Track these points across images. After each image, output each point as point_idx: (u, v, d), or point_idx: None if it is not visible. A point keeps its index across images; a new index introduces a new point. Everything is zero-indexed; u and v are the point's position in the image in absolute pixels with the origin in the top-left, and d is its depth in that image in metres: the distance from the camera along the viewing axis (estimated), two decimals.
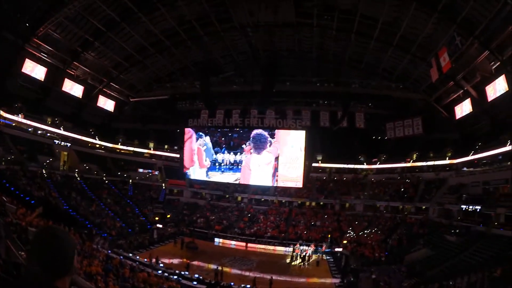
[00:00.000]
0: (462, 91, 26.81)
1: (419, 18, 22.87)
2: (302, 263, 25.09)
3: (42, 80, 29.42)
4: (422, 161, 34.84)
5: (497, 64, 21.47)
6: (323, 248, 28.04)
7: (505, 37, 19.42)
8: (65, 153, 34.83)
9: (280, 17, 27.19)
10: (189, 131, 30.16)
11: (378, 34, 26.21)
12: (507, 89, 21.10)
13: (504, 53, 20.45)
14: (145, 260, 20.72)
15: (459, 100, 27.89)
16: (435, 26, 22.75)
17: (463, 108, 27.60)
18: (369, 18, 25.00)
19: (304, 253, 25.60)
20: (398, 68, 30.30)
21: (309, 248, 26.69)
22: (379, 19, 24.38)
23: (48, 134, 33.45)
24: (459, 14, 20.10)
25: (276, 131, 27.24)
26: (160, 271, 18.07)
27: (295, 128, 27.85)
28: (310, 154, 29.17)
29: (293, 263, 24.97)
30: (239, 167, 27.66)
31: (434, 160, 33.76)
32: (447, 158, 32.50)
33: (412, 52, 26.45)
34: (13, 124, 29.71)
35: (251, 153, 27.67)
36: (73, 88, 32.72)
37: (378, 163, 37.63)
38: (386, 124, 34.55)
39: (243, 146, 27.68)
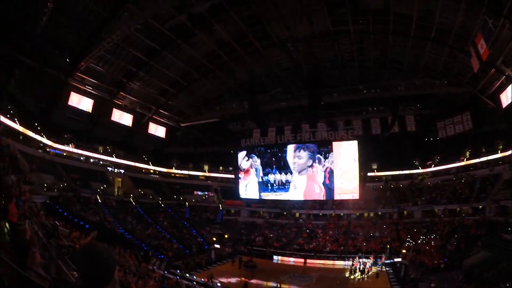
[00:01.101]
0: (504, 77, 25.29)
1: (449, 7, 21.92)
2: (361, 276, 24.42)
3: (90, 111, 30.75)
4: (475, 157, 33.45)
5: None
6: (382, 259, 27.27)
7: None
8: (119, 179, 36.11)
9: (316, 28, 27.19)
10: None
11: (414, 31, 25.54)
12: None
13: None
14: (202, 279, 20.81)
15: (503, 87, 26.22)
16: (465, 13, 21.71)
17: (508, 95, 25.89)
18: (402, 16, 24.45)
19: (363, 266, 24.98)
20: (439, 63, 29.21)
21: (368, 260, 26.12)
22: (412, 14, 23.71)
23: (101, 162, 34.75)
24: None
25: (332, 144, 26.89)
26: None
27: (347, 139, 27.50)
28: (364, 163, 28.68)
29: (352, 277, 24.35)
30: (290, 186, 27.57)
31: (487, 155, 32.30)
32: (499, 151, 30.97)
33: (450, 44, 25.46)
34: (64, 154, 31.00)
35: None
36: (122, 117, 34.02)
37: (433, 165, 36.32)
38: (437, 124, 33.46)
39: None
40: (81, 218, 23.15)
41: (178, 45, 27.72)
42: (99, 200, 29.23)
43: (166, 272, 20.64)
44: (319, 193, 27.48)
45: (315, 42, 29.46)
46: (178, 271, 22.86)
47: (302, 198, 27.94)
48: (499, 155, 30.90)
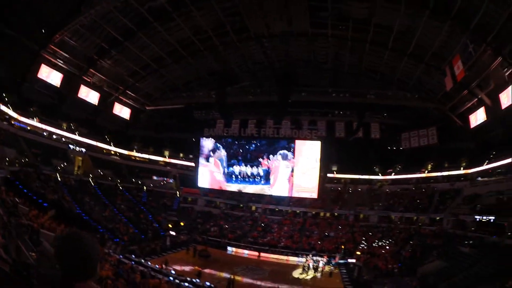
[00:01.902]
0: (476, 99, 26.55)
1: (433, 26, 22.69)
2: (314, 274, 24.69)
3: (58, 86, 29.87)
4: (437, 171, 34.43)
5: (510, 70, 21.15)
6: (336, 259, 27.60)
7: None
8: (80, 158, 35.15)
9: (295, 27, 27.28)
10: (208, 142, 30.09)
11: (392, 44, 26.14)
12: None
13: None
14: (157, 266, 20.44)
15: (474, 108, 27.57)
16: (448, 34, 22.56)
17: (478, 117, 27.25)
18: (383, 27, 24.94)
19: (316, 264, 25.29)
20: (413, 78, 30.11)
21: (322, 259, 26.37)
22: (393, 28, 24.28)
23: (63, 139, 33.75)
24: (472, 20, 19.89)
25: (295, 141, 27.01)
26: (171, 278, 17.77)
27: (311, 139, 27.68)
28: (325, 164, 29.02)
29: (303, 275, 24.46)
30: (256, 179, 27.58)
31: (449, 170, 33.34)
32: (462, 168, 32.06)
33: (426, 61, 26.32)
34: (28, 128, 30.02)
35: (268, 166, 27.53)
36: (89, 95, 33.14)
37: (393, 173, 37.21)
38: (401, 134, 34.33)
39: (260, 159, 27.56)
40: (40, 195, 22.72)
41: (154, 28, 27.22)
42: (59, 178, 28.63)
43: (121, 256, 20.10)
44: (284, 188, 27.47)
45: (292, 41, 29.54)
46: (134, 256, 22.38)
47: (268, 192, 27.83)
48: (462, 171, 32.04)
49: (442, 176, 34.06)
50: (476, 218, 24.98)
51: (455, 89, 24.84)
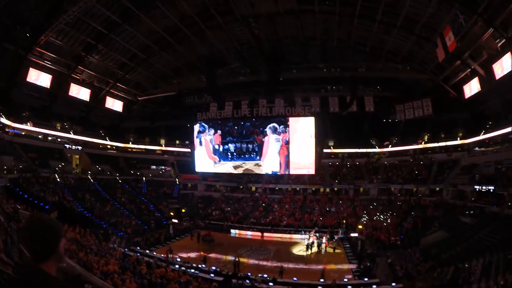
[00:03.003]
0: (469, 70, 26.46)
1: None
2: (318, 250, 24.89)
3: (48, 87, 29.88)
4: (434, 142, 34.65)
5: (503, 41, 21.05)
6: (339, 234, 27.79)
7: (508, 14, 19.02)
8: (77, 156, 35.31)
9: (281, 5, 27.02)
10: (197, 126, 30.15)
11: (381, 17, 25.83)
12: None
13: (509, 30, 20.11)
14: (162, 255, 20.75)
15: (467, 79, 27.53)
16: (437, 5, 22.31)
17: (472, 87, 27.24)
18: (370, 1, 24.61)
19: (320, 240, 25.41)
20: (404, 50, 29.87)
21: (325, 235, 26.52)
22: (381, 1, 23.97)
23: (59, 140, 33.91)
24: None
25: (289, 118, 26.98)
26: (177, 266, 17.98)
27: (304, 115, 27.61)
28: (321, 140, 28.95)
29: (307, 252, 24.65)
30: (252, 155, 27.61)
31: (446, 141, 33.55)
32: (459, 138, 32.28)
33: (417, 32, 26.06)
34: (23, 133, 30.19)
35: (262, 141, 27.53)
36: (80, 92, 33.14)
37: (390, 146, 37.36)
38: (395, 106, 34.26)
39: (255, 135, 27.55)
40: (40, 199, 22.90)
41: (139, 18, 26.93)
42: (58, 179, 28.80)
43: (126, 249, 20.37)
44: (275, 163, 27.50)
45: (279, 19, 29.26)
46: (138, 247, 22.67)
47: (261, 167, 27.89)
48: (459, 142, 32.23)
49: (439, 147, 34.27)
50: (475, 188, 25.22)
51: (447, 60, 24.67)
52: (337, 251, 25.13)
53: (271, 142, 27.36)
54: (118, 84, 35.11)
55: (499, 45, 21.52)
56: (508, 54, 20.96)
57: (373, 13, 25.81)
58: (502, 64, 21.84)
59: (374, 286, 15.94)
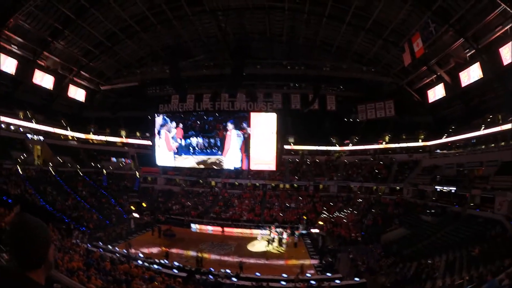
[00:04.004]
0: (435, 76, 27.59)
1: (393, 4, 23.17)
2: (278, 246, 25.12)
3: (13, 73, 28.46)
4: (395, 143, 35.78)
5: (472, 51, 22.00)
6: (300, 229, 28.24)
7: (482, 27, 20.00)
8: (38, 147, 34.06)
9: (251, 0, 27.23)
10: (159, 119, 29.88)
11: (350, 19, 26.55)
12: (482, 76, 21.80)
13: (480, 42, 21.05)
14: (124, 251, 20.59)
15: (432, 84, 28.70)
16: (409, 12, 23.11)
17: (436, 93, 28.39)
18: (341, 2, 25.25)
19: (280, 236, 25.63)
20: (370, 52, 30.82)
21: (285, 230, 26.77)
22: (352, 3, 24.64)
23: (21, 129, 32.69)
24: (435, 2, 20.47)
25: (251, 114, 27.22)
26: (140, 261, 17.91)
27: (266, 111, 27.97)
28: (282, 136, 29.48)
29: (268, 247, 24.87)
30: (213, 150, 27.67)
31: (407, 142, 34.71)
32: (420, 140, 33.43)
33: (385, 37, 26.91)
34: None
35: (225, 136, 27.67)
36: (43, 79, 31.87)
37: (351, 144, 38.34)
38: (357, 106, 35.20)
39: (217, 130, 27.62)
40: (3, 192, 22.14)
41: (107, 4, 26.28)
42: (20, 171, 27.88)
43: (89, 245, 20.05)
44: (237, 158, 27.72)
45: (247, 13, 29.46)
46: (101, 243, 22.37)
47: (223, 163, 28.01)
48: (420, 143, 33.44)
49: (400, 147, 35.43)
50: (436, 189, 26.12)
51: (413, 65, 25.55)
52: (298, 246, 25.40)
53: (233, 137, 27.52)
54: (81, 72, 34.07)
55: (468, 54, 22.46)
56: (477, 64, 21.97)
57: (343, 15, 26.49)
58: (470, 73, 22.91)
59: (337, 281, 16.27)
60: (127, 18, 28.67)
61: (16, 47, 27.64)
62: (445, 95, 27.38)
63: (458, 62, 23.44)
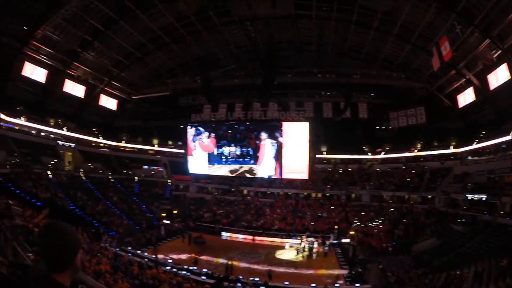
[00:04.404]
0: (464, 79, 26.82)
1: (418, 8, 22.80)
2: (309, 255, 24.86)
3: (43, 82, 29.58)
4: (427, 150, 34.81)
5: (499, 52, 21.39)
6: (330, 239, 27.80)
7: (505, 26, 19.41)
8: (69, 153, 34.88)
9: (278, 9, 27.16)
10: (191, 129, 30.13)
11: (377, 24, 26.17)
12: (510, 77, 21.11)
13: (505, 41, 20.46)
14: (153, 256, 20.70)
15: (462, 88, 27.90)
16: (434, 16, 22.65)
17: (466, 97, 27.60)
18: (367, 9, 24.92)
19: (311, 245, 25.38)
20: (399, 58, 30.24)
21: (316, 240, 26.47)
22: (378, 9, 24.32)
23: (52, 136, 33.49)
24: (459, 3, 20.02)
25: (283, 123, 27.11)
26: (168, 267, 17.99)
27: (298, 120, 27.77)
28: (315, 145, 29.14)
29: (297, 256, 24.71)
30: (245, 159, 27.67)
31: (438, 149, 33.75)
32: (451, 147, 32.42)
33: (413, 41, 26.38)
34: (16, 128, 29.78)
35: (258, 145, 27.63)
36: (74, 89, 32.93)
37: (383, 153, 37.51)
38: (389, 114, 34.54)
39: (249, 139, 27.61)
40: (33, 195, 22.47)
41: (136, 16, 26.92)
42: (50, 176, 28.38)
43: (118, 249, 20.31)
44: (271, 167, 27.60)
45: (275, 23, 29.43)
46: (130, 248, 22.57)
47: (257, 171, 27.91)
48: (452, 150, 32.37)
49: (432, 155, 34.48)
50: (467, 197, 25.29)
51: (442, 69, 25.03)
52: (328, 256, 25.01)
53: (267, 146, 27.40)
54: (112, 82, 34.93)
55: (494, 56, 21.86)
56: (504, 65, 21.35)
57: (370, 21, 26.15)
58: (497, 75, 22.24)
59: None
60: (156, 29, 29.19)
61: (45, 57, 28.57)
62: (475, 99, 26.60)
63: (485, 64, 22.79)
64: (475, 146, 29.09)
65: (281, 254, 25.58)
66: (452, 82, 28.58)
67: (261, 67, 26.77)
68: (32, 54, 27.53)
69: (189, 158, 28.82)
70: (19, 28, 25.13)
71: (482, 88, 24.93)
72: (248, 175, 29.51)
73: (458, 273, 16.26)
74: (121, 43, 30.11)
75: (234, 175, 29.32)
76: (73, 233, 1.45)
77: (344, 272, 21.26)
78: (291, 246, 26.71)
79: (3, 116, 27.97)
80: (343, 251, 25.90)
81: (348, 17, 26.55)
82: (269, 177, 29.43)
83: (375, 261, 21.87)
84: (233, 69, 32.67)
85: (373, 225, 29.61)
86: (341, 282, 18.98)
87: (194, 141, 28.78)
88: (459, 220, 23.81)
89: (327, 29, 29.44)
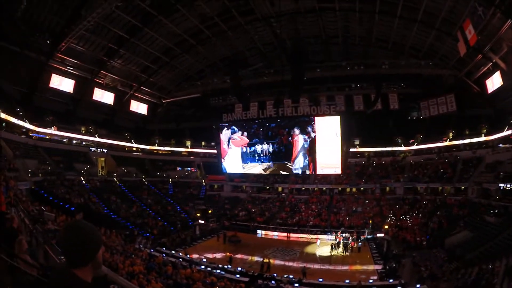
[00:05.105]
0: (491, 63, 25.95)
1: None
2: (343, 251, 24.73)
3: (71, 92, 30.59)
4: (458, 139, 33.97)
5: None
6: (365, 234, 27.54)
7: None
8: (102, 159, 35.83)
9: (301, 3, 26.99)
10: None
11: (401, 12, 25.56)
12: None
13: None
14: (188, 256, 20.95)
15: (489, 73, 26.99)
16: None
17: (494, 82, 26.71)
18: None
19: (346, 241, 25.24)
20: (425, 45, 29.47)
21: (351, 235, 26.36)
22: None
23: (83, 143, 34.53)
24: None
25: (315, 118, 26.98)
26: (202, 266, 18.06)
27: (330, 114, 27.55)
28: (347, 139, 28.75)
29: (334, 253, 24.59)
30: (278, 156, 27.73)
31: (470, 138, 32.95)
32: (483, 135, 31.57)
33: (437, 27, 25.65)
34: (47, 137, 30.84)
35: (290, 141, 27.61)
36: (103, 96, 33.84)
37: (415, 144, 36.72)
38: (420, 103, 33.76)
39: (281, 136, 27.61)
40: (66, 201, 23.09)
41: (159, 21, 27.27)
42: (83, 181, 29.14)
43: (152, 250, 20.66)
44: (304, 163, 27.54)
45: (300, 18, 29.23)
46: (164, 248, 22.91)
47: (290, 168, 27.91)
48: (483, 138, 31.48)
49: (464, 144, 33.64)
50: (500, 186, 24.55)
51: (468, 54, 24.25)
52: (362, 251, 24.86)
53: (300, 142, 27.35)
54: (142, 87, 35.62)
55: None
56: None
57: (393, 9, 25.58)
58: None
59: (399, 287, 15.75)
60: (181, 33, 29.44)
61: (71, 68, 29.40)
62: (502, 83, 25.58)
63: (510, 45, 21.78)
64: (505, 132, 28.15)
65: (315, 251, 25.49)
66: (479, 67, 27.59)
67: (289, 63, 26.69)
68: (58, 66, 28.50)
69: (223, 157, 29.02)
70: (43, 42, 25.86)
71: (509, 72, 24.08)
72: (282, 172, 29.40)
73: (490, 267, 15.77)
74: (147, 49, 30.61)
75: (267, 172, 29.29)
76: (93, 230, 1.49)
77: (379, 267, 21.01)
78: (321, 243, 26.69)
79: (33, 127, 28.96)
80: (377, 246, 25.69)
81: (371, 7, 26.07)
82: (303, 173, 29.23)
83: (409, 256, 21.78)
84: (262, 67, 32.70)
85: (407, 219, 29.13)
86: (375, 277, 18.85)
87: (227, 140, 28.98)
88: (491, 211, 23.25)
89: (352, 21, 28.97)
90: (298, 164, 27.49)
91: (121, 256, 14.08)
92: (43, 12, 23.69)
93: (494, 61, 25.13)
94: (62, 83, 29.47)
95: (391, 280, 17.18)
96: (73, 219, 16.78)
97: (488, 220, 22.66)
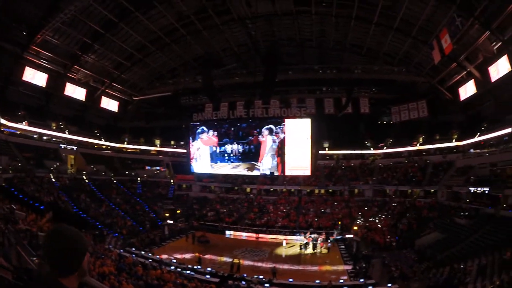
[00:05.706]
0: (465, 72, 26.73)
1: (418, 1, 22.67)
2: (313, 251, 24.97)
3: (44, 86, 29.75)
4: (429, 144, 34.77)
5: (499, 44, 21.32)
6: (334, 235, 27.81)
7: (505, 18, 19.31)
8: (72, 156, 35.04)
9: (278, 6, 27.14)
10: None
11: (377, 19, 26.03)
12: (510, 69, 21.10)
13: (505, 33, 20.40)
14: (157, 257, 20.78)
15: (463, 81, 27.81)
16: (434, 8, 22.60)
17: (467, 90, 27.53)
18: (367, 3, 24.81)
19: (315, 242, 25.48)
20: (400, 52, 30.11)
21: (320, 236, 26.50)
22: (378, 3, 24.20)
23: (54, 139, 33.67)
24: None
25: (285, 120, 27.15)
26: (172, 267, 18.06)
27: (300, 117, 27.75)
28: (317, 141, 29.06)
29: (301, 251, 24.91)
30: (248, 157, 27.75)
31: (441, 143, 33.68)
32: (454, 140, 32.34)
33: (413, 35, 26.27)
34: (18, 132, 29.92)
35: (259, 142, 27.70)
36: (75, 92, 33.08)
37: (385, 147, 37.45)
38: (391, 108, 34.45)
39: (250, 137, 27.63)
40: (35, 199, 22.65)
41: (136, 17, 26.92)
42: (53, 179, 28.59)
43: (122, 250, 20.46)
44: (272, 164, 27.66)
45: (276, 20, 29.39)
46: (134, 249, 22.66)
47: (258, 168, 28.00)
48: (454, 143, 32.32)
49: (434, 148, 34.44)
50: (470, 190, 25.24)
51: (443, 62, 25.01)
52: (332, 252, 25.07)
53: (268, 143, 27.45)
54: (113, 84, 34.97)
55: (495, 48, 21.77)
56: (505, 57, 21.35)
57: (370, 15, 26.03)
58: (498, 67, 22.24)
59: (370, 287, 16.12)
60: (156, 30, 29.15)
61: (45, 62, 28.64)
62: (476, 91, 26.54)
63: (486, 56, 22.65)
64: (477, 139, 29.04)
65: (284, 251, 25.70)
66: (453, 75, 28.52)
67: (262, 65, 26.80)
68: (32, 59, 27.65)
69: (191, 157, 28.82)
70: (19, 34, 25.11)
71: (483, 81, 24.90)
72: (250, 173, 29.43)
73: (462, 266, 16.32)
74: (122, 45, 30.11)
75: (236, 172, 29.27)
76: (79, 236, 1.44)
77: (348, 267, 21.27)
78: (288, 244, 27.03)
79: (4, 122, 28.05)
80: (346, 246, 25.98)
81: (348, 12, 26.44)
82: (271, 174, 29.35)
83: (379, 256, 22.10)
84: (235, 67, 32.66)
85: (377, 220, 29.66)
86: (345, 277, 19.09)
87: (196, 139, 28.77)
88: (462, 214, 23.87)
89: (328, 25, 29.33)
90: (266, 164, 27.55)
91: (91, 257, 13.88)
92: (21, 1, 22.91)
93: (468, 70, 25.90)
94: (35, 77, 28.63)
95: (361, 280, 17.50)
96: (43, 218, 16.43)
97: (458, 222, 23.29)
